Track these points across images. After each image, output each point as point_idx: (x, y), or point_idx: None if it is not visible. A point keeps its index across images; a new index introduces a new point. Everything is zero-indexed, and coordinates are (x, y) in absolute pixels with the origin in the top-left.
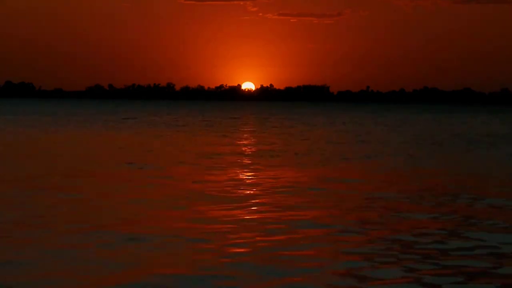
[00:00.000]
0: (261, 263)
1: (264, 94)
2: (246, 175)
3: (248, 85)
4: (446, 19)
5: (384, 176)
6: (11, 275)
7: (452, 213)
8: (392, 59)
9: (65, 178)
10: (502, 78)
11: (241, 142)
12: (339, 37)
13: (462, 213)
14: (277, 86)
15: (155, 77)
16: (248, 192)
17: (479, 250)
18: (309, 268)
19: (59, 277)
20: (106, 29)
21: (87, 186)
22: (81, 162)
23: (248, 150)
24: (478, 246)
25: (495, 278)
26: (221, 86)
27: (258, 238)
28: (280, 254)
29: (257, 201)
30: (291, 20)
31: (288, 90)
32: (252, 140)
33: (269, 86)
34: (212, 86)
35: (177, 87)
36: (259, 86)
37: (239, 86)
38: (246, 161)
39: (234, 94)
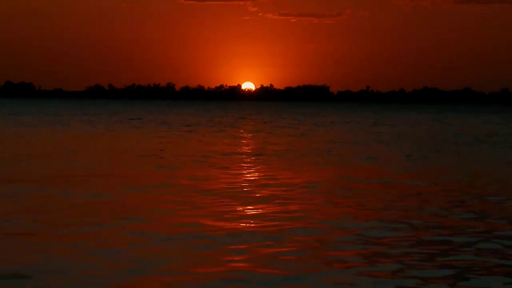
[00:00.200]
0: (288, 265)
1: (264, 94)
2: (267, 175)
3: (248, 85)
4: (446, 19)
5: (397, 175)
6: (48, 274)
7: (483, 211)
8: (392, 59)
9: (96, 178)
10: (502, 78)
11: (255, 143)
12: (339, 37)
13: (494, 213)
14: (277, 86)
15: (155, 77)
16: (272, 192)
17: None
18: (340, 270)
19: (97, 275)
20: (106, 29)
21: (117, 185)
22: (99, 163)
23: (267, 150)
24: None
25: None
26: (221, 86)
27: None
28: (318, 253)
29: (281, 201)
30: (291, 20)
31: (288, 90)
32: (275, 139)
33: (269, 86)
34: (212, 86)
35: (177, 87)
36: (259, 86)
37: (239, 86)
38: (270, 160)
39: (234, 94)
